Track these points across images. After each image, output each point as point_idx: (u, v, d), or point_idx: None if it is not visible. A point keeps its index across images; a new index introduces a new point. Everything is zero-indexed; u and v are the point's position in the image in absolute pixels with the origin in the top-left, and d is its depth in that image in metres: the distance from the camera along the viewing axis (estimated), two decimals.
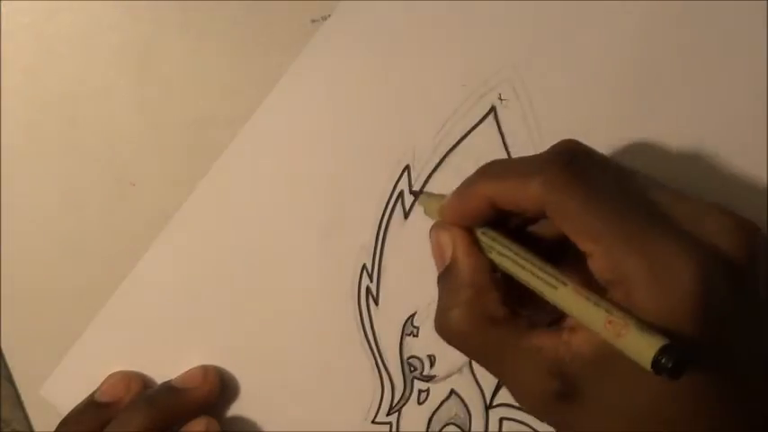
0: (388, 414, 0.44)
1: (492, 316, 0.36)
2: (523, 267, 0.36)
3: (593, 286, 0.34)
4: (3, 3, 0.43)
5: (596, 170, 0.35)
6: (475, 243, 0.37)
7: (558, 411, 0.35)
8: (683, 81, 0.41)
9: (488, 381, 0.43)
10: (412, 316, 0.43)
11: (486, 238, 0.37)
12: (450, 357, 0.43)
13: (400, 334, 0.43)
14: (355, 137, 0.43)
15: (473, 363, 0.43)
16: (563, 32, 0.42)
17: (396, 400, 0.44)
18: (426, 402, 0.44)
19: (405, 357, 0.44)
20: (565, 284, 0.34)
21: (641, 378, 0.31)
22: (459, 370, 0.43)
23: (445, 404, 0.44)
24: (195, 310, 0.44)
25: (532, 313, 0.37)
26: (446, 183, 0.42)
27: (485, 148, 0.42)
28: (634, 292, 0.32)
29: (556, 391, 0.34)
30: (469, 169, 0.39)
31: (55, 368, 0.44)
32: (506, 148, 0.42)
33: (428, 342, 0.43)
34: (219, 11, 0.43)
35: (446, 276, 0.37)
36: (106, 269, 0.44)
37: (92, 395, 0.43)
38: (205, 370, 0.43)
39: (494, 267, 0.37)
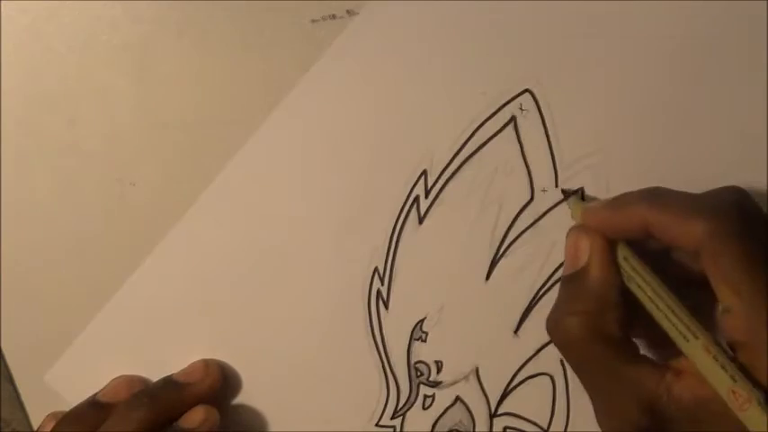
0: (392, 418, 0.44)
1: (608, 334, 0.36)
2: (658, 307, 0.36)
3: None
4: (3, 3, 0.43)
5: (760, 229, 0.35)
6: (612, 258, 0.37)
7: None
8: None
9: (494, 389, 0.43)
10: (421, 321, 0.43)
11: (628, 264, 0.37)
12: (456, 364, 0.43)
13: (409, 338, 0.43)
14: (374, 139, 0.43)
15: (480, 370, 0.43)
16: (587, 46, 0.42)
17: (401, 404, 0.44)
18: (431, 408, 0.44)
19: (412, 362, 0.44)
20: (696, 338, 0.34)
21: None
22: (466, 377, 0.43)
23: (450, 411, 0.44)
24: (205, 304, 0.44)
25: (643, 345, 0.37)
26: (462, 190, 0.43)
27: (503, 158, 0.43)
28: (763, 362, 0.32)
29: (644, 427, 0.34)
30: (487, 178, 0.39)
31: (53, 363, 0.44)
32: (525, 159, 0.42)
33: (436, 348, 0.43)
34: (219, 11, 0.43)
35: (573, 281, 0.37)
36: (106, 269, 0.44)
37: (93, 395, 0.43)
38: (206, 364, 0.43)
39: (622, 286, 0.37)
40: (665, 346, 0.36)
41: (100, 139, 0.44)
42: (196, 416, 0.42)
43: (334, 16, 0.43)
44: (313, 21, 0.43)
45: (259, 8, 0.43)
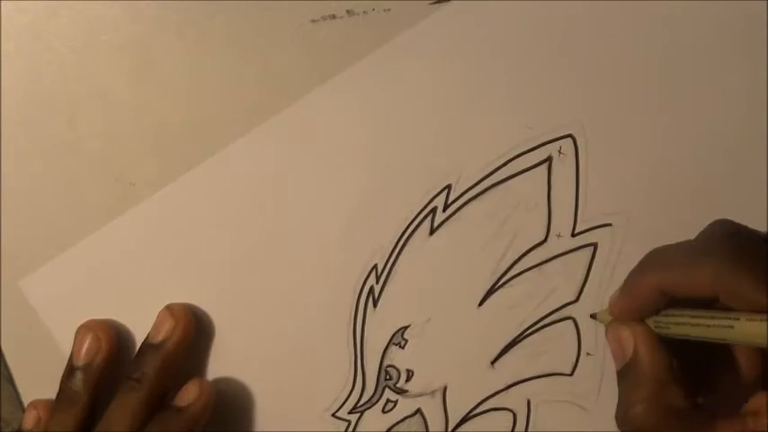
0: (350, 412, 0.44)
1: (676, 409, 0.36)
2: (695, 324, 0.36)
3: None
4: (3, 3, 0.43)
5: (759, 247, 0.35)
6: (654, 337, 0.38)
7: None
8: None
9: (456, 411, 0.44)
10: (405, 327, 0.44)
11: (662, 324, 0.38)
12: (427, 378, 0.44)
13: (388, 341, 0.44)
14: (409, 142, 0.43)
15: (447, 390, 0.44)
16: (634, 106, 0.42)
17: (362, 402, 0.44)
18: (390, 413, 0.44)
19: (384, 364, 0.44)
20: (737, 319, 0.35)
21: None
22: (432, 393, 0.44)
23: (408, 420, 0.44)
24: (196, 259, 0.44)
25: (712, 402, 0.38)
26: (481, 213, 0.43)
27: (529, 194, 0.43)
28: None
29: None
30: (508, 208, 0.41)
31: (53, 363, 0.44)
32: (549, 201, 0.43)
33: (412, 357, 0.44)
34: (219, 11, 0.43)
35: (627, 372, 0.38)
36: None
37: (70, 360, 0.43)
38: (200, 387, 0.43)
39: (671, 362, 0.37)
40: (735, 396, 0.37)
41: (99, 138, 0.44)
42: (190, 393, 0.42)
43: (333, 16, 0.43)
44: (313, 21, 0.43)
45: (259, 8, 0.43)
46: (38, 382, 0.45)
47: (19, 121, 0.44)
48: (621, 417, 0.37)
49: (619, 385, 0.38)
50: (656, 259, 0.38)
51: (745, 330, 0.35)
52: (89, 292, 0.44)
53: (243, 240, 0.44)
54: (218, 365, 0.44)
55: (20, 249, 0.44)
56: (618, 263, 0.43)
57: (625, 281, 0.39)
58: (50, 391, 0.44)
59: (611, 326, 0.39)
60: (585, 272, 0.44)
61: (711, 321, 0.36)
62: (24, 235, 0.44)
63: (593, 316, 0.43)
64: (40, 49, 0.43)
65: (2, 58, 0.43)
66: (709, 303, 0.36)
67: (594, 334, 0.44)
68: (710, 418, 0.36)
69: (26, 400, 0.45)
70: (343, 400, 0.44)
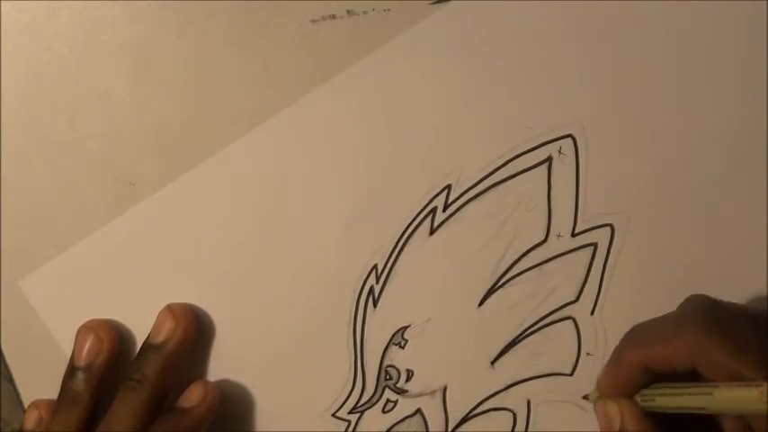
0: (350, 412, 0.44)
1: None
2: (677, 395, 0.37)
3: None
4: (3, 3, 0.43)
5: (738, 321, 0.36)
6: (640, 411, 0.39)
7: None
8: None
9: (456, 411, 0.44)
10: (405, 328, 0.44)
11: (648, 398, 0.38)
12: (427, 378, 0.44)
13: (388, 341, 0.44)
14: (408, 142, 0.43)
15: (447, 390, 0.44)
16: (635, 106, 0.42)
17: (362, 402, 0.44)
18: (391, 413, 0.44)
19: (384, 364, 0.44)
20: (716, 387, 0.35)
21: None
22: (432, 393, 0.44)
23: (408, 420, 0.44)
24: (194, 254, 0.44)
25: None
26: (481, 213, 0.43)
27: (529, 194, 0.43)
28: None
29: None
30: (508, 208, 0.41)
31: (53, 363, 0.44)
32: (549, 201, 0.43)
33: (412, 357, 0.44)
34: (219, 11, 0.43)
35: None
36: None
37: (71, 361, 0.43)
38: (205, 388, 0.43)
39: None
40: None
41: (99, 138, 0.44)
42: (195, 394, 0.42)
43: (333, 16, 0.43)
44: (313, 21, 0.43)
45: (259, 8, 0.43)
46: (38, 382, 0.45)
47: (19, 121, 0.44)
48: None
49: None
50: (636, 336, 0.39)
51: (724, 397, 0.35)
52: (89, 292, 0.44)
53: (242, 240, 0.44)
54: (218, 365, 0.44)
55: (20, 249, 0.44)
56: (618, 263, 0.43)
57: (610, 358, 0.40)
58: (51, 392, 0.44)
59: (599, 402, 0.40)
60: (586, 272, 0.44)
61: (692, 391, 0.36)
62: (24, 235, 0.44)
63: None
64: (40, 49, 0.43)
65: (2, 58, 0.43)
66: (691, 377, 0.37)
67: (594, 334, 0.44)
68: None
69: (26, 400, 0.45)
70: (343, 401, 0.44)
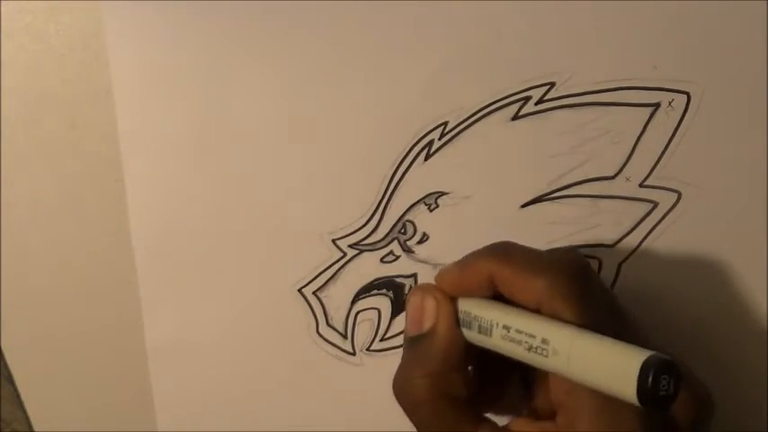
0: (350, 245, 0.43)
1: (453, 396, 0.36)
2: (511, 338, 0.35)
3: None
4: (3, 3, 0.43)
5: (595, 291, 0.36)
6: (456, 319, 0.37)
7: None
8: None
9: None
10: (443, 193, 0.43)
11: (470, 315, 0.37)
12: (439, 250, 0.43)
13: (421, 197, 0.43)
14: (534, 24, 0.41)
15: None
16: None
17: (367, 241, 0.43)
18: (388, 265, 0.43)
19: (405, 217, 0.43)
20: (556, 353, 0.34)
21: None
22: (435, 266, 0.43)
23: (400, 278, 0.44)
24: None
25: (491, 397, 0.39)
26: (568, 122, 0.42)
27: (619, 128, 0.42)
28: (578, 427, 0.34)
29: None
30: (596, 131, 0.41)
31: (53, 363, 0.44)
32: (635, 144, 0.42)
33: (434, 223, 0.43)
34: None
35: (419, 342, 0.37)
36: (106, 269, 0.44)
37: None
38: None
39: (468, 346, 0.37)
40: (511, 409, 0.38)
41: (100, 139, 0.44)
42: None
43: None
44: None
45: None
46: (38, 382, 0.45)
47: (19, 121, 0.44)
48: (400, 384, 0.37)
49: (405, 350, 0.38)
50: (501, 251, 0.37)
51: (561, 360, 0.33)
52: None
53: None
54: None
55: (20, 249, 0.45)
56: (667, 230, 0.42)
57: (466, 255, 0.38)
58: (51, 392, 0.44)
59: (420, 290, 0.38)
60: (634, 225, 0.42)
61: (527, 339, 0.35)
62: (24, 235, 0.44)
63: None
64: (40, 49, 0.43)
65: (2, 58, 0.43)
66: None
67: (610, 284, 0.43)
68: (478, 419, 0.36)
69: (26, 401, 0.45)
70: (349, 231, 0.43)
